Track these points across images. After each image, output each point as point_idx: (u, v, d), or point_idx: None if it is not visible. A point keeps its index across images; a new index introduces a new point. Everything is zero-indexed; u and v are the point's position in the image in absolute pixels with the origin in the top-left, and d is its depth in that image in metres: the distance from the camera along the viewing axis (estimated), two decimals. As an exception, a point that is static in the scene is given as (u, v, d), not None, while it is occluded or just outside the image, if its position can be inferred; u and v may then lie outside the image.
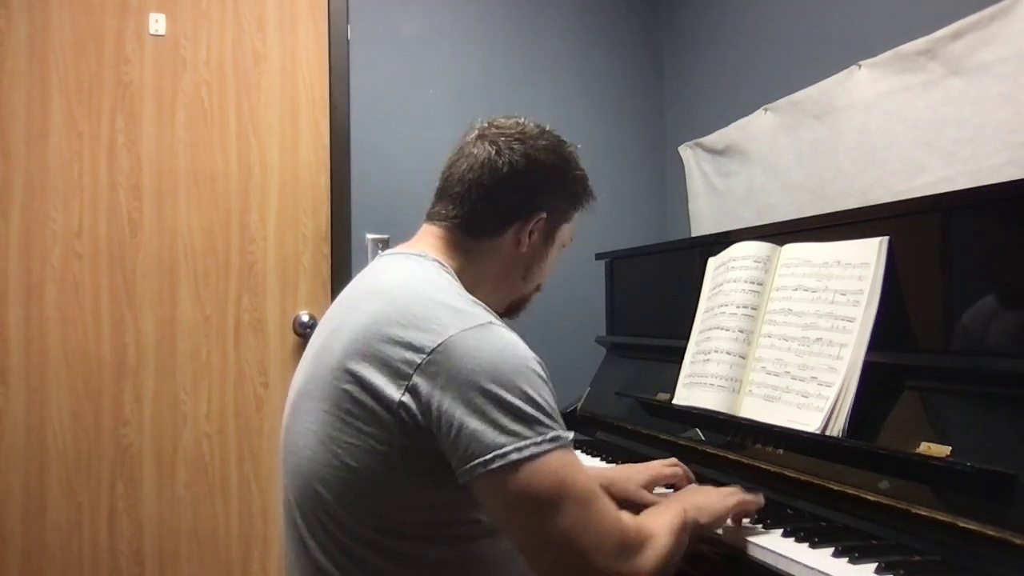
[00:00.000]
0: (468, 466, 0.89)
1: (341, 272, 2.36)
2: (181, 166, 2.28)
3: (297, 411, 1.05)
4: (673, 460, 1.39)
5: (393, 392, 0.92)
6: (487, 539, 1.00)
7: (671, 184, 2.72)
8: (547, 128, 1.15)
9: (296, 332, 2.34)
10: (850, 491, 1.15)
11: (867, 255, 1.26)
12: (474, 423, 0.89)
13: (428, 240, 1.12)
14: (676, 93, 2.72)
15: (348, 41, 2.41)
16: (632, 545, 0.93)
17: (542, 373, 0.95)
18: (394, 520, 0.96)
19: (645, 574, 0.93)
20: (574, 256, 2.38)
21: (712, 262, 1.62)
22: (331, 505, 0.97)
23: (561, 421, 0.95)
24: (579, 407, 2.05)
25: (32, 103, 2.18)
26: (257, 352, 2.33)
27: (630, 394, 1.81)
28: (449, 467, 0.92)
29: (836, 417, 1.21)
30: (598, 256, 2.25)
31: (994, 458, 0.98)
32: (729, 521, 1.16)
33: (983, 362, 1.11)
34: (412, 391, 0.91)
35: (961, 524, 0.97)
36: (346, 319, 1.01)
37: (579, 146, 1.18)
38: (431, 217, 1.14)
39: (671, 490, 1.35)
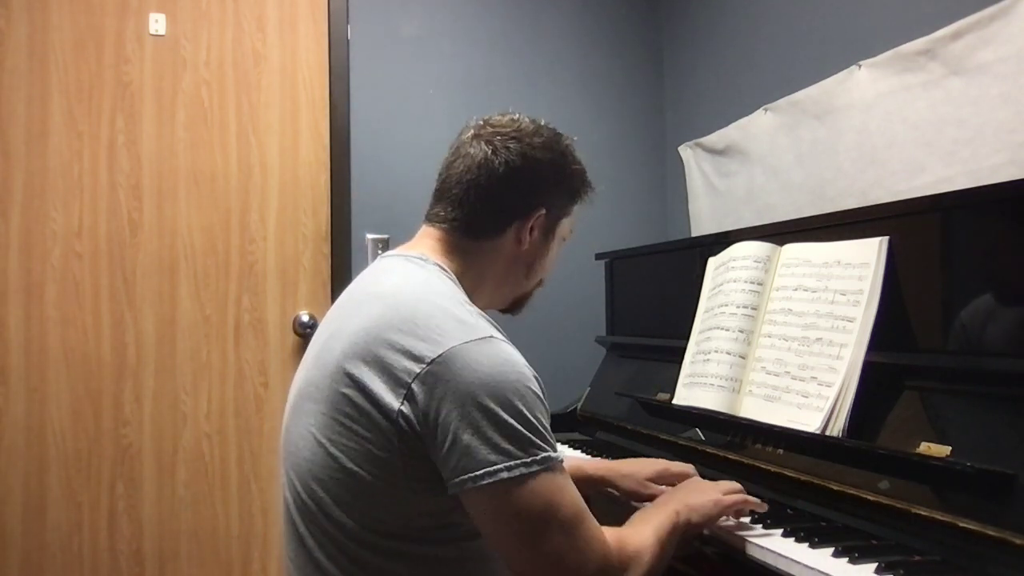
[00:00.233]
0: (458, 479, 0.90)
1: (341, 272, 2.36)
2: (181, 166, 2.28)
3: (297, 412, 1.04)
4: (688, 465, 1.36)
5: (392, 400, 0.92)
6: (486, 538, 1.01)
7: (671, 184, 2.72)
8: (543, 123, 1.15)
9: (296, 332, 2.34)
10: (850, 491, 1.15)
11: (867, 255, 1.26)
12: (467, 437, 0.89)
13: (428, 242, 1.11)
14: (676, 93, 2.72)
15: (348, 41, 2.41)
16: (613, 564, 0.94)
17: (539, 392, 0.95)
18: (393, 522, 0.96)
19: None
20: (574, 256, 2.39)
21: (712, 262, 1.62)
22: (329, 506, 0.97)
23: (553, 442, 0.95)
24: (579, 407, 2.05)
25: (32, 103, 2.18)
26: (257, 352, 2.32)
27: (630, 394, 1.81)
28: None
29: (836, 417, 1.21)
30: (598, 256, 2.25)
31: (994, 458, 0.98)
32: (730, 520, 1.16)
33: (983, 362, 1.11)
34: (410, 400, 0.91)
35: (961, 524, 0.97)
36: (346, 321, 1.01)
37: (575, 138, 1.18)
38: (430, 219, 1.13)
39: None
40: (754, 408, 1.38)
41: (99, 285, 2.21)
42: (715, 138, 2.40)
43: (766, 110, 2.16)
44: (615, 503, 1.37)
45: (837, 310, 1.27)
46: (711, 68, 2.50)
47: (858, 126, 1.83)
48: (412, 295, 1.00)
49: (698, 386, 1.51)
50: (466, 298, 1.03)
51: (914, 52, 1.67)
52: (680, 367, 1.60)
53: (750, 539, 1.10)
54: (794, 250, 1.42)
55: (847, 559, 0.99)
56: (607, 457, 1.70)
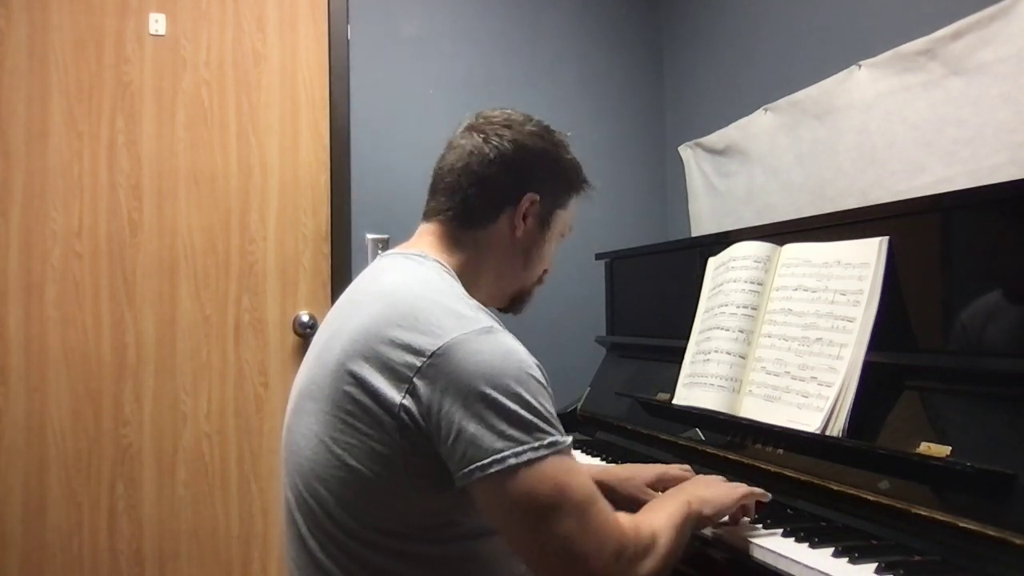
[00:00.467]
0: (466, 471, 0.90)
1: (341, 272, 2.36)
2: (181, 166, 2.28)
3: (299, 411, 1.05)
4: (686, 467, 1.37)
5: (394, 395, 0.92)
6: (489, 537, 1.00)
7: (671, 184, 2.72)
8: (535, 117, 1.16)
9: (296, 332, 2.34)
10: (850, 491, 1.15)
11: (867, 255, 1.26)
12: (472, 428, 0.89)
13: (426, 239, 1.12)
14: (676, 93, 2.72)
15: (348, 41, 2.41)
16: (630, 549, 0.93)
17: (541, 379, 0.95)
18: (395, 521, 0.96)
19: (644, 574, 0.93)
20: (574, 256, 2.39)
21: (712, 262, 1.62)
22: (331, 505, 0.97)
23: (559, 426, 0.94)
24: (579, 407, 2.05)
25: (32, 103, 2.18)
26: (257, 352, 2.33)
27: (630, 394, 1.81)
28: (449, 471, 0.92)
29: (836, 417, 1.21)
30: (598, 256, 2.25)
31: (994, 458, 0.98)
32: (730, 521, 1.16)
33: (983, 362, 1.11)
34: (412, 394, 0.91)
35: (961, 524, 0.97)
36: (347, 320, 1.01)
37: (569, 134, 1.19)
38: (426, 215, 1.15)
39: None
40: (754, 408, 1.38)
41: (99, 285, 2.21)
42: (715, 138, 2.40)
43: (766, 110, 2.16)
44: (616, 506, 1.37)
45: (837, 310, 1.27)
46: (711, 68, 2.50)
47: (858, 126, 1.83)
48: (411, 292, 1.00)
49: (698, 386, 1.51)
50: (465, 293, 1.04)
51: (914, 52, 1.67)
52: (680, 367, 1.60)
53: (750, 539, 1.10)
54: (794, 250, 1.42)
55: (847, 559, 0.99)
56: (607, 457, 1.70)
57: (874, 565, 0.96)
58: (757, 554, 1.08)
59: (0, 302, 2.14)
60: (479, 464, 0.89)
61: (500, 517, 0.93)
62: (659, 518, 1.01)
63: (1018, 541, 0.90)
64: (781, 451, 1.31)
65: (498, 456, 0.88)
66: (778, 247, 1.46)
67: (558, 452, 0.91)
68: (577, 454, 1.77)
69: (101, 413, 2.20)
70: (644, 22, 2.77)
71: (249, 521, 2.30)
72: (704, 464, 1.45)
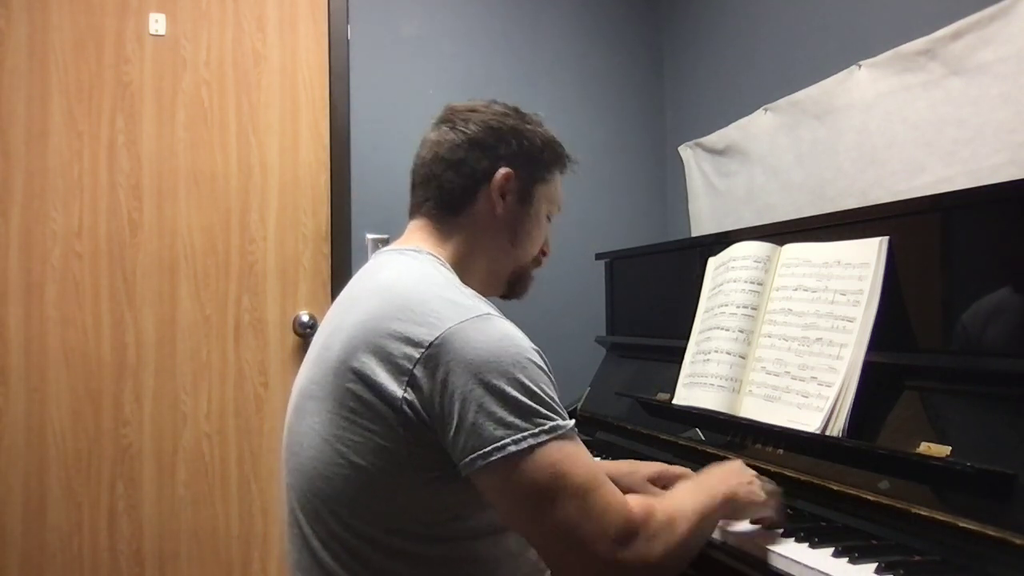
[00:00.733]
0: (467, 459, 0.90)
1: (341, 272, 2.36)
2: (181, 166, 2.29)
3: (300, 411, 1.05)
4: (686, 471, 1.35)
5: (395, 388, 0.92)
6: (490, 537, 1.00)
7: (671, 184, 2.72)
8: (503, 101, 1.17)
9: (296, 332, 2.34)
10: (850, 491, 1.15)
11: (867, 255, 1.26)
12: (472, 416, 0.89)
13: (417, 234, 1.13)
14: (676, 93, 2.72)
15: (348, 41, 2.41)
16: (640, 532, 0.91)
17: (541, 363, 0.95)
18: (398, 518, 0.96)
19: (655, 560, 0.91)
20: (574, 256, 2.40)
21: (712, 262, 1.62)
22: (335, 503, 0.97)
23: (562, 411, 0.94)
24: (579, 407, 2.05)
25: (32, 103, 2.18)
26: (257, 352, 2.33)
27: (630, 394, 1.81)
28: (453, 463, 0.92)
29: (836, 417, 1.21)
30: (598, 256, 2.25)
31: (994, 458, 0.98)
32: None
33: (983, 362, 1.11)
34: (413, 386, 0.92)
35: (961, 524, 0.97)
36: (345, 318, 1.02)
37: (542, 114, 1.19)
38: (411, 212, 1.17)
39: None
40: (754, 408, 1.38)
41: (99, 285, 2.21)
42: (715, 138, 2.40)
43: (766, 110, 2.16)
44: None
45: (837, 310, 1.27)
46: (711, 68, 2.50)
47: (858, 126, 1.83)
48: (407, 285, 1.01)
49: (698, 386, 1.51)
50: (461, 282, 1.05)
51: (914, 52, 1.67)
52: (680, 367, 1.60)
53: (750, 539, 1.10)
54: (794, 250, 1.42)
55: (847, 559, 0.99)
56: (607, 457, 1.70)
57: (874, 565, 0.96)
58: (757, 553, 1.08)
59: (0, 302, 2.14)
60: (480, 452, 0.89)
61: (503, 504, 0.92)
62: (686, 504, 0.99)
63: (1018, 541, 0.90)
64: (781, 451, 1.31)
65: (498, 444, 0.88)
66: (778, 247, 1.46)
67: (559, 437, 0.91)
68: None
69: (101, 413, 2.20)
70: (644, 22, 2.77)
71: (249, 521, 2.30)
72: (704, 464, 1.45)
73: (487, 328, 0.93)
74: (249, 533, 2.30)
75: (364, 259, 2.35)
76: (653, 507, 0.94)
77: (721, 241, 1.65)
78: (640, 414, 1.76)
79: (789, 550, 1.05)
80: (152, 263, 2.25)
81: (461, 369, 0.90)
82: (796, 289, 1.37)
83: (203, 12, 2.31)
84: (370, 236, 2.40)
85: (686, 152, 2.58)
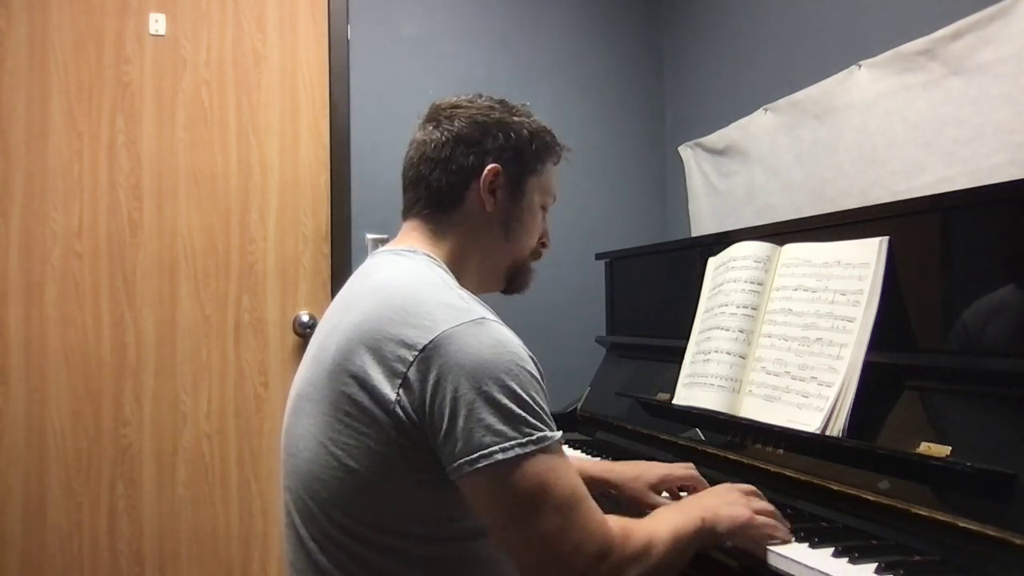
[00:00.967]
0: (454, 464, 0.90)
1: (341, 272, 2.36)
2: (181, 166, 2.29)
3: (297, 413, 1.05)
4: (689, 464, 1.35)
5: (389, 391, 0.92)
6: (487, 538, 1.00)
7: (671, 184, 2.72)
8: (487, 94, 1.16)
9: (296, 332, 2.34)
10: (850, 491, 1.15)
11: (867, 255, 1.25)
12: (461, 421, 0.89)
13: (411, 235, 1.12)
14: (676, 93, 2.72)
15: (348, 41, 2.41)
16: (615, 553, 0.91)
17: (533, 371, 0.94)
18: (393, 520, 0.96)
19: None
20: (574, 256, 2.40)
21: (712, 262, 1.62)
22: (330, 505, 0.97)
23: (551, 421, 0.94)
24: (579, 407, 2.05)
25: (32, 103, 2.18)
26: (257, 352, 2.33)
27: (630, 394, 1.81)
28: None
29: (836, 417, 1.21)
30: (598, 256, 2.24)
31: (994, 458, 0.98)
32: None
33: (983, 362, 1.11)
34: (406, 388, 0.92)
35: (961, 524, 0.97)
36: (341, 319, 1.02)
37: (528, 103, 1.17)
38: (404, 214, 1.16)
39: (685, 493, 1.32)
40: (754, 408, 1.38)
41: (99, 285, 2.21)
42: (715, 138, 2.40)
43: (766, 110, 2.16)
44: (619, 506, 1.37)
45: (837, 310, 1.27)
46: (711, 68, 2.50)
47: (858, 126, 1.83)
48: (403, 286, 1.00)
49: (698, 386, 1.51)
50: (456, 283, 1.04)
51: (914, 52, 1.67)
52: (680, 367, 1.60)
53: (751, 538, 1.10)
54: (794, 250, 1.42)
55: (847, 559, 0.99)
56: (607, 457, 1.70)
57: (874, 565, 0.96)
58: (756, 553, 1.08)
59: (0, 302, 2.14)
60: (467, 459, 0.89)
61: (485, 512, 0.92)
62: (661, 527, 0.98)
63: (1018, 541, 0.90)
64: (781, 451, 1.31)
65: (485, 451, 0.88)
66: (778, 247, 1.46)
67: (546, 449, 0.90)
68: (577, 454, 1.77)
69: (101, 413, 2.20)
70: (644, 22, 2.77)
71: (249, 521, 2.30)
72: (704, 464, 1.45)
73: (481, 332, 0.93)
74: (249, 533, 2.30)
75: (364, 259, 2.35)
76: (632, 530, 0.94)
77: (721, 241, 1.65)
78: (640, 414, 1.76)
79: (789, 550, 1.05)
80: (152, 263, 2.25)
81: (453, 373, 0.90)
82: (796, 289, 1.37)
83: (203, 12, 2.31)
84: (370, 236, 2.40)
85: (686, 152, 2.58)
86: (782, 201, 2.09)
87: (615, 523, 0.94)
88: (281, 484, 1.08)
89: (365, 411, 0.93)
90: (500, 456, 0.88)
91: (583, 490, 0.93)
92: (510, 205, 1.13)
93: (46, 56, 2.19)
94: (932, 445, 1.07)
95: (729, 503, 1.09)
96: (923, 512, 1.03)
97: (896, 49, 1.72)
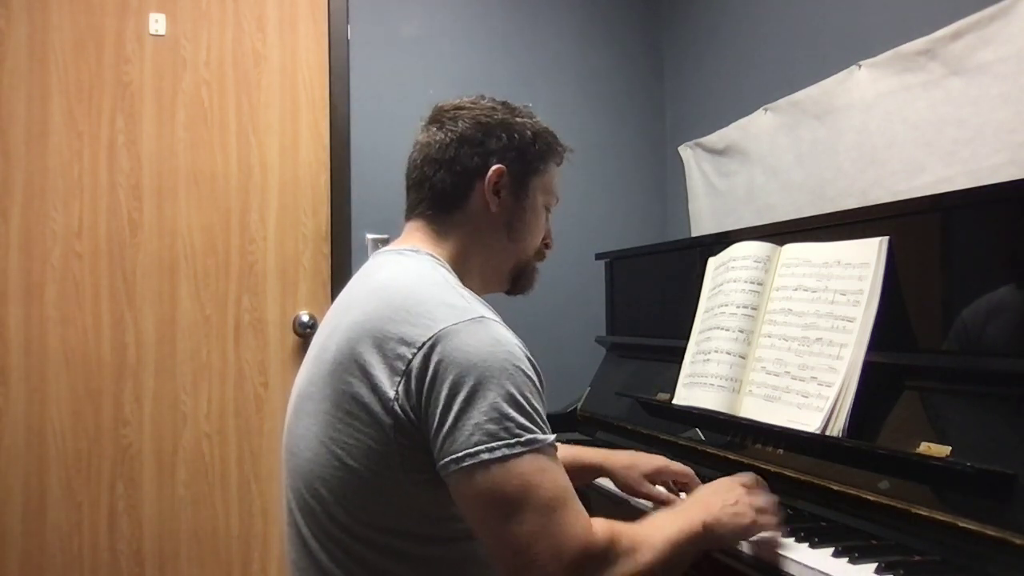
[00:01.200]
0: (443, 462, 0.90)
1: (341, 272, 2.36)
2: (181, 166, 2.28)
3: (298, 412, 1.05)
4: (687, 468, 1.34)
5: (389, 389, 0.92)
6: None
7: (671, 184, 2.72)
8: (490, 95, 1.16)
9: (296, 332, 2.34)
10: (850, 491, 1.15)
11: (867, 255, 1.26)
12: (452, 419, 0.89)
13: (414, 235, 1.12)
14: (676, 93, 2.72)
15: (348, 41, 2.41)
16: (597, 557, 0.90)
17: (530, 372, 0.94)
18: (394, 519, 0.96)
19: None
20: (574, 256, 2.40)
21: (712, 262, 1.62)
22: (332, 505, 0.97)
23: (543, 424, 0.93)
24: (579, 407, 2.05)
25: (32, 103, 2.18)
26: (257, 352, 2.32)
27: (630, 394, 1.81)
28: None
29: (836, 417, 1.21)
30: (598, 256, 2.25)
31: (994, 458, 0.98)
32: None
33: (983, 362, 1.11)
34: (406, 386, 0.92)
35: (961, 524, 0.97)
36: (343, 319, 1.02)
37: (530, 105, 1.18)
38: (407, 214, 1.16)
39: (683, 495, 1.32)
40: (754, 408, 1.38)
41: (99, 285, 2.21)
42: (715, 138, 2.40)
43: (766, 110, 2.16)
44: (618, 505, 1.37)
45: (837, 310, 1.27)
46: (711, 68, 2.50)
47: (858, 126, 1.83)
48: (404, 285, 1.00)
49: (698, 386, 1.51)
50: (459, 283, 1.04)
51: (914, 52, 1.67)
52: (680, 367, 1.60)
53: (749, 538, 1.10)
54: (794, 250, 1.42)
55: (847, 559, 0.99)
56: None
57: (874, 565, 0.96)
58: (756, 552, 1.08)
59: (0, 302, 2.14)
60: (453, 457, 0.89)
61: (469, 511, 0.92)
62: (652, 531, 0.97)
63: (1018, 541, 0.90)
64: (781, 451, 1.31)
65: (472, 450, 0.88)
66: (778, 247, 1.46)
67: (536, 451, 0.90)
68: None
69: (101, 413, 2.20)
70: (644, 22, 2.77)
71: (249, 521, 2.30)
72: (704, 464, 1.45)
73: (480, 331, 0.93)
74: (249, 533, 2.30)
75: (364, 259, 2.33)
76: (618, 534, 0.93)
77: (721, 241, 1.65)
78: (640, 414, 1.76)
79: (789, 550, 1.05)
80: (152, 263, 2.25)
81: (449, 371, 0.90)
82: (796, 289, 1.37)
83: (203, 12, 2.31)
84: (370, 236, 2.40)
85: (686, 152, 2.58)
86: (782, 201, 2.09)
87: (603, 528, 0.92)
88: (283, 483, 1.08)
89: (367, 411, 0.93)
90: (486, 456, 0.88)
91: (568, 494, 0.91)
92: (514, 205, 1.13)
93: (46, 56, 2.19)
94: (932, 445, 1.07)
95: (733, 508, 1.06)
96: (923, 512, 1.03)
97: (896, 49, 1.72)
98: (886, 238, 1.24)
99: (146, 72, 2.27)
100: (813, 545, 1.05)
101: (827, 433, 1.21)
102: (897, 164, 1.72)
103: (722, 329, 1.49)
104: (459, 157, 1.10)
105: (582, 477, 1.32)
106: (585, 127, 2.63)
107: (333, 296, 2.33)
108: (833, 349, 1.25)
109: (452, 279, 1.04)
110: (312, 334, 1.13)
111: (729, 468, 1.39)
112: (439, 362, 0.90)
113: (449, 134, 1.10)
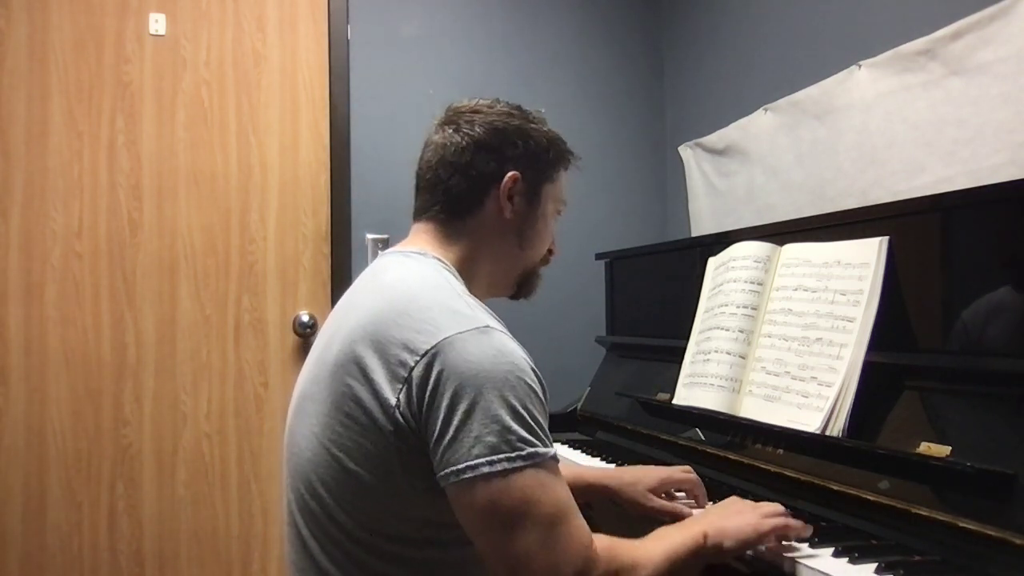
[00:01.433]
0: (443, 473, 0.89)
1: (341, 272, 2.36)
2: (181, 166, 2.29)
3: (300, 413, 1.05)
4: (687, 468, 1.34)
5: (390, 394, 0.92)
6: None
7: (671, 184, 2.72)
8: (505, 100, 1.15)
9: (296, 332, 2.34)
10: (850, 491, 1.15)
11: (867, 255, 1.26)
12: (453, 430, 0.88)
13: (422, 237, 1.11)
14: (676, 93, 2.72)
15: (348, 41, 2.41)
16: (594, 573, 0.89)
17: (534, 384, 0.93)
18: (394, 523, 0.96)
19: None
20: (574, 256, 2.39)
21: (712, 262, 1.62)
22: (331, 507, 0.97)
23: (546, 437, 0.92)
24: (579, 407, 2.05)
25: (32, 103, 2.18)
26: (257, 352, 2.32)
27: (630, 394, 1.81)
28: None
29: (836, 417, 1.21)
30: (598, 256, 2.25)
31: (994, 458, 0.98)
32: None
33: (983, 362, 1.11)
34: (407, 393, 0.91)
35: (961, 524, 0.97)
36: (345, 320, 1.01)
37: (543, 110, 1.17)
38: (416, 215, 1.14)
39: (683, 494, 1.32)
40: (754, 408, 1.38)
41: (99, 285, 2.21)
42: (715, 138, 2.40)
43: (766, 110, 2.16)
44: (624, 518, 1.36)
45: (837, 310, 1.27)
46: (711, 68, 2.50)
47: (858, 126, 1.83)
48: (409, 289, 0.99)
49: (698, 386, 1.51)
50: (465, 289, 1.03)
51: (914, 52, 1.67)
52: (680, 367, 1.60)
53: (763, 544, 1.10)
54: (794, 250, 1.42)
55: (847, 559, 0.99)
56: (607, 457, 1.70)
57: (874, 565, 0.96)
58: (756, 552, 1.08)
59: (0, 302, 2.14)
60: (454, 468, 0.88)
61: (468, 523, 0.91)
62: (651, 547, 0.96)
63: (1018, 541, 0.90)
64: (781, 451, 1.31)
65: (472, 463, 0.87)
66: (778, 247, 1.46)
67: (536, 465, 0.89)
68: (577, 454, 1.77)
69: (101, 413, 2.20)
70: (644, 22, 2.77)
71: (249, 521, 2.30)
72: (704, 464, 1.45)
73: (484, 341, 0.92)
74: (249, 533, 2.30)
75: (364, 259, 2.36)
76: (617, 550, 0.93)
77: (721, 241, 1.65)
78: (640, 414, 1.76)
79: (789, 550, 1.05)
80: (152, 263, 2.25)
81: (452, 380, 0.89)
82: (796, 289, 1.37)
83: (203, 12, 2.31)
84: (370, 236, 2.40)
85: (686, 152, 2.58)
86: (782, 201, 2.09)
87: (603, 543, 0.92)
88: (284, 483, 1.08)
89: (367, 415, 0.93)
90: (487, 469, 0.87)
91: (569, 508, 0.91)
92: (527, 212, 1.12)
93: (46, 56, 2.19)
94: (932, 445, 1.07)
95: (734, 513, 1.07)
96: (923, 512, 1.03)
97: (896, 49, 1.72)
98: (886, 238, 1.24)
99: (146, 72, 2.27)
100: (813, 545, 1.05)
101: (827, 433, 1.21)
102: (897, 164, 1.72)
103: (722, 329, 1.49)
104: (475, 162, 1.08)
105: (585, 496, 1.30)
106: (585, 127, 2.63)
107: (333, 296, 2.33)
108: (833, 349, 1.25)
109: (458, 285, 1.03)
110: (312, 334, 1.13)
111: (729, 468, 1.40)
112: (441, 371, 0.90)
113: (465, 138, 1.09)
